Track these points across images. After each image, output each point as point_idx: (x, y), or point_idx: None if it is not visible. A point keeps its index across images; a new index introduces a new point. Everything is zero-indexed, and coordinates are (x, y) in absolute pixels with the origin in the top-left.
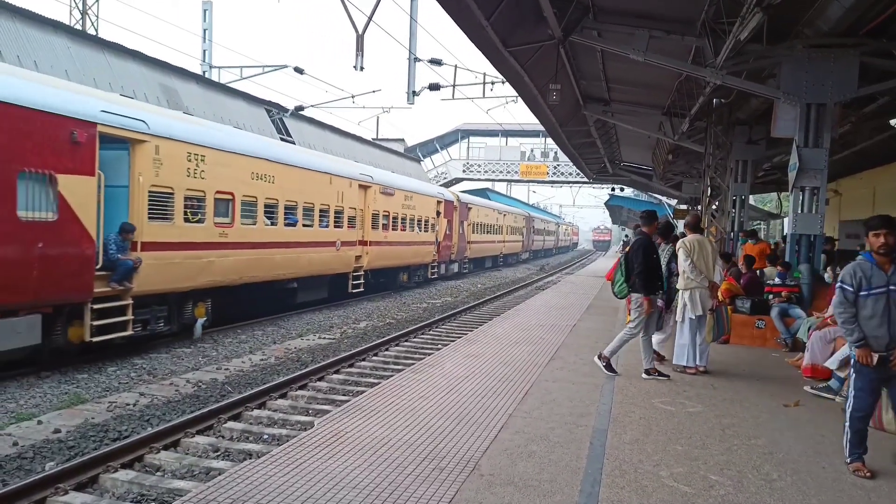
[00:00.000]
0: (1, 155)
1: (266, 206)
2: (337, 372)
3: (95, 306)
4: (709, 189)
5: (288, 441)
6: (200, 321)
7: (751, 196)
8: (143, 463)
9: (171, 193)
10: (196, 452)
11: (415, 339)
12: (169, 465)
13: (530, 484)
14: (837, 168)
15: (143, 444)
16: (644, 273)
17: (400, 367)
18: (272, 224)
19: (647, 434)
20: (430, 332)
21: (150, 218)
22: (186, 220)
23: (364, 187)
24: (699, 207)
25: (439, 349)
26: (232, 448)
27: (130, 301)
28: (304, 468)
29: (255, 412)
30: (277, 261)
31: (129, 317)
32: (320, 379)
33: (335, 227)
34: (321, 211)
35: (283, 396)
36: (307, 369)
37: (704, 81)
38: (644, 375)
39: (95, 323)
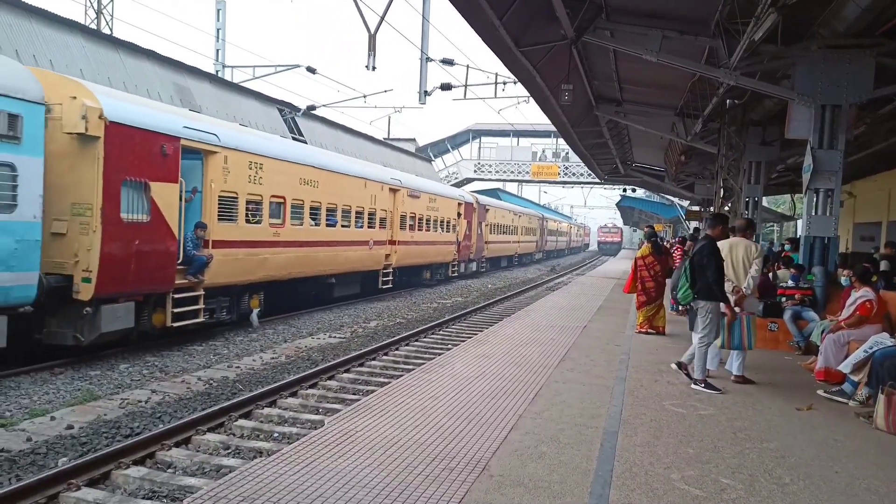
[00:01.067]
0: (112, 166)
1: (311, 208)
2: (347, 371)
3: (175, 296)
4: (721, 190)
5: (298, 440)
6: (256, 311)
7: (764, 198)
8: (154, 460)
9: (236, 198)
10: (207, 450)
11: (425, 339)
12: (180, 462)
13: (540, 485)
14: (852, 170)
15: (155, 441)
16: (719, 280)
17: (410, 366)
18: (316, 225)
19: (657, 436)
20: (441, 332)
21: (219, 219)
22: (247, 221)
23: (394, 191)
24: (712, 209)
25: (449, 349)
26: (243, 446)
27: (202, 292)
28: (315, 467)
29: (266, 410)
30: (320, 258)
31: (201, 306)
32: (330, 378)
33: (368, 227)
34: (357, 213)
35: (294, 395)
36: (317, 368)
37: (718, 82)
38: (693, 385)
39: (175, 311)
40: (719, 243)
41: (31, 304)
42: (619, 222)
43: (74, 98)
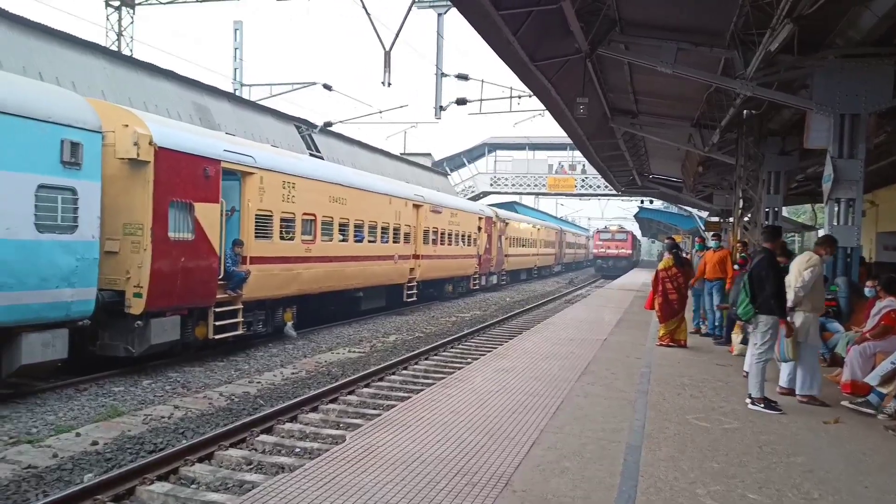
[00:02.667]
0: (160, 189)
1: (340, 224)
2: (367, 386)
3: (217, 310)
4: (741, 201)
5: (320, 455)
6: (290, 324)
7: (784, 208)
8: (178, 475)
9: (271, 216)
10: (230, 465)
11: (444, 353)
12: (203, 477)
13: (563, 501)
14: (873, 179)
15: (178, 457)
16: (778, 293)
17: (430, 381)
18: (344, 240)
19: (682, 451)
20: (460, 346)
21: (256, 237)
22: (281, 237)
23: (417, 206)
24: (731, 220)
25: (469, 363)
26: (265, 461)
27: (241, 306)
28: (337, 483)
29: (287, 425)
30: (348, 272)
31: (240, 319)
32: (350, 393)
33: (394, 242)
34: (382, 228)
35: (315, 410)
36: (337, 383)
37: (734, 93)
38: (750, 406)
39: (216, 324)
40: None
41: (89, 317)
42: (633, 226)
43: (126, 126)
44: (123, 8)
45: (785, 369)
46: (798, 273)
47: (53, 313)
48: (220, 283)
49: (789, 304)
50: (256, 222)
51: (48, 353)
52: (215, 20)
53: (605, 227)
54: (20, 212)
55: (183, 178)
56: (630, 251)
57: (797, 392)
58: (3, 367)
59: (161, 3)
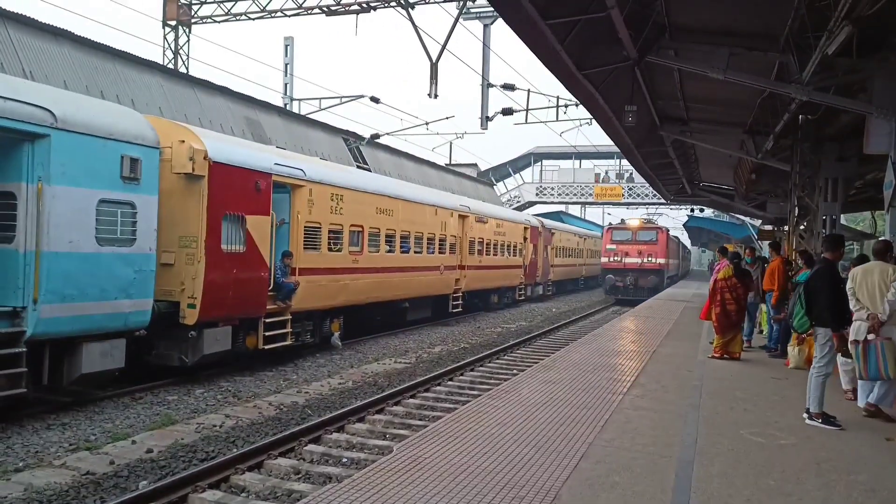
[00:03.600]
0: (214, 202)
1: (386, 235)
2: (413, 397)
3: (266, 320)
4: (796, 209)
5: (367, 466)
6: (336, 334)
7: (842, 215)
8: (229, 483)
9: (319, 227)
10: (279, 474)
11: (490, 365)
12: (253, 486)
13: None
14: None
15: (229, 465)
16: (833, 305)
17: (476, 392)
18: (390, 251)
19: (735, 467)
20: (506, 357)
21: (304, 248)
22: (329, 249)
23: (462, 217)
24: (786, 228)
25: (515, 375)
26: (313, 471)
27: (290, 317)
28: (385, 494)
29: (335, 436)
30: (395, 283)
31: (288, 329)
32: (397, 403)
33: (439, 253)
34: (428, 239)
35: (361, 420)
36: (384, 394)
37: (789, 98)
38: (808, 421)
39: (266, 334)
40: (853, 270)
41: (146, 328)
42: (668, 225)
43: (182, 141)
44: (180, 27)
45: (881, 388)
46: (883, 285)
47: (112, 323)
48: (270, 294)
49: (882, 317)
50: (305, 234)
51: (107, 363)
52: (267, 36)
53: (622, 221)
54: (83, 226)
55: (235, 191)
56: (662, 259)
57: (868, 399)
58: (65, 375)
59: (216, 22)
